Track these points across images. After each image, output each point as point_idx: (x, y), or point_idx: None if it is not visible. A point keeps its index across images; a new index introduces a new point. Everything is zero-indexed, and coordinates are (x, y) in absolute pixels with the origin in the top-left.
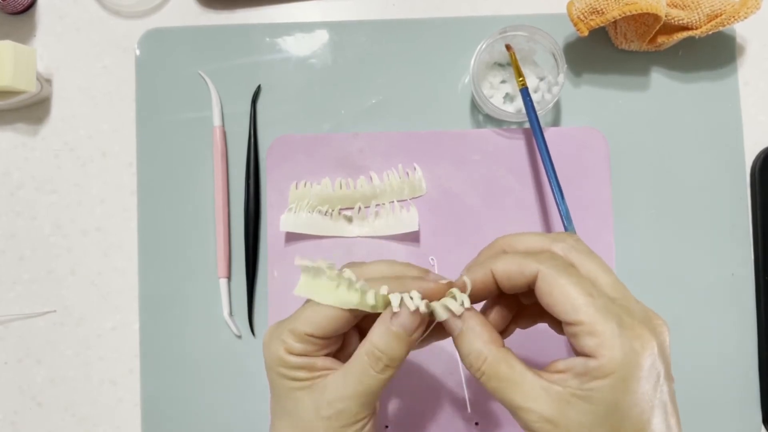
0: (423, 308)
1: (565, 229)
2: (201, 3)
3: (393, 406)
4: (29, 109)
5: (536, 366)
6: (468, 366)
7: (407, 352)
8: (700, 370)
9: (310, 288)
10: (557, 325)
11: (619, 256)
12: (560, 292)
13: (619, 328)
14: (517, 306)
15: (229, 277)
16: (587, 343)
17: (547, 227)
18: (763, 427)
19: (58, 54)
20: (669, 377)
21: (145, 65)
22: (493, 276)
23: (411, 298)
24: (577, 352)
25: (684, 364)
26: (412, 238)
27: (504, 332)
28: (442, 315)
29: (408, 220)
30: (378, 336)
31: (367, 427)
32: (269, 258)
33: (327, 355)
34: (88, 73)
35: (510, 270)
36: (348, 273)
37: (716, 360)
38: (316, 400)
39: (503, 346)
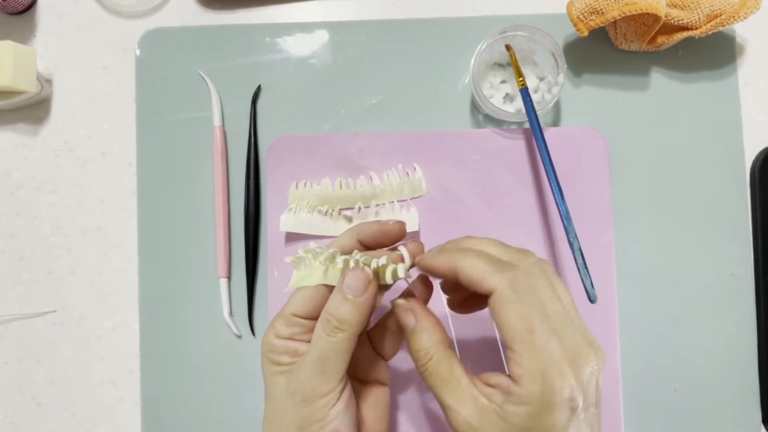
0: (368, 269)
1: (566, 229)
2: (201, 3)
3: (393, 406)
4: (29, 109)
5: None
6: (415, 360)
7: (358, 317)
8: (700, 370)
9: (301, 279)
10: None
11: (619, 256)
12: (505, 319)
13: (544, 366)
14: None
15: (229, 277)
16: (514, 370)
17: (547, 227)
18: (763, 427)
19: (58, 54)
20: (591, 405)
21: (145, 65)
22: (455, 269)
23: (356, 260)
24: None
25: (684, 364)
26: (412, 238)
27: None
28: (388, 279)
29: (408, 220)
30: (331, 301)
31: (336, 409)
32: (269, 258)
33: None
34: (88, 73)
35: (472, 276)
36: (332, 249)
37: (716, 360)
38: (291, 380)
39: (449, 347)
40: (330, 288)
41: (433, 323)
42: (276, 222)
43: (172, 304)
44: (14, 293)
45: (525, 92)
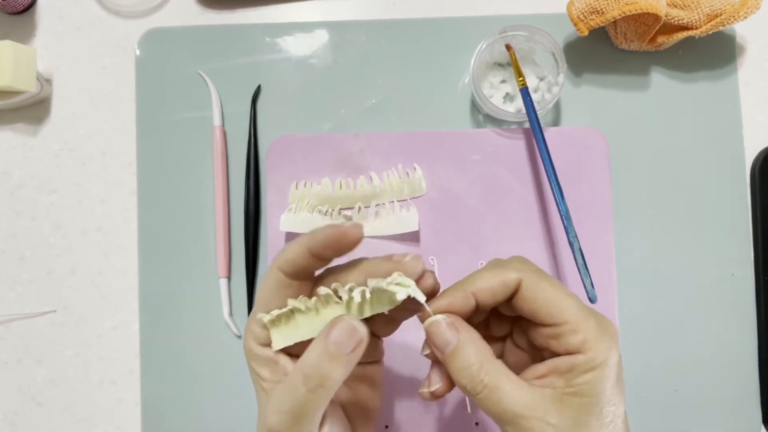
0: (359, 329)
1: (566, 229)
2: (201, 3)
3: (393, 406)
4: (29, 109)
5: None
6: (467, 379)
7: (344, 373)
8: (700, 370)
9: (287, 337)
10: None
11: (619, 256)
12: (545, 297)
13: (600, 329)
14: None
15: (229, 277)
16: (572, 340)
17: (547, 227)
18: (763, 427)
19: (58, 54)
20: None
21: (145, 65)
22: (472, 296)
23: (364, 289)
24: (555, 354)
25: (684, 364)
26: (412, 238)
27: None
28: (401, 295)
29: (408, 220)
30: (312, 351)
31: None
32: (269, 258)
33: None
34: (88, 73)
35: (493, 285)
36: (322, 290)
37: (716, 360)
38: (264, 406)
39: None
40: (295, 277)
41: (477, 335)
42: (276, 222)
43: (172, 304)
44: (14, 293)
45: (525, 92)
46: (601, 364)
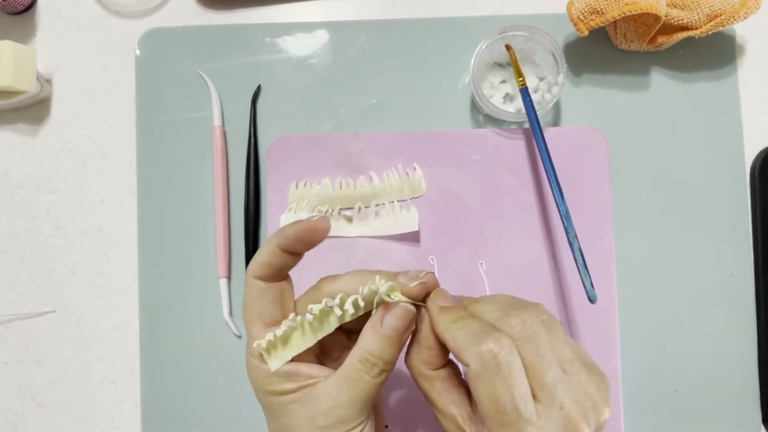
0: (410, 306)
1: (565, 229)
2: (201, 3)
3: (393, 405)
4: (29, 109)
5: None
6: (405, 360)
7: (399, 353)
8: (700, 370)
9: (282, 356)
10: None
11: (619, 256)
12: (475, 395)
13: None
14: None
15: (229, 277)
16: None
17: (547, 227)
18: (763, 427)
19: (58, 54)
20: None
21: (145, 65)
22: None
23: (390, 297)
24: None
25: (684, 364)
26: (412, 238)
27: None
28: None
29: (408, 220)
30: (371, 342)
31: (366, 428)
32: None
33: (310, 361)
34: (88, 73)
35: (452, 349)
36: (314, 307)
37: (716, 360)
38: (310, 410)
39: (437, 368)
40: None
41: (431, 345)
42: (276, 222)
43: (172, 304)
44: (14, 293)
45: (525, 92)
46: None
